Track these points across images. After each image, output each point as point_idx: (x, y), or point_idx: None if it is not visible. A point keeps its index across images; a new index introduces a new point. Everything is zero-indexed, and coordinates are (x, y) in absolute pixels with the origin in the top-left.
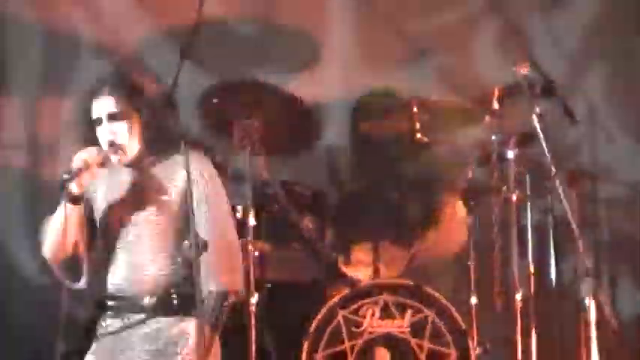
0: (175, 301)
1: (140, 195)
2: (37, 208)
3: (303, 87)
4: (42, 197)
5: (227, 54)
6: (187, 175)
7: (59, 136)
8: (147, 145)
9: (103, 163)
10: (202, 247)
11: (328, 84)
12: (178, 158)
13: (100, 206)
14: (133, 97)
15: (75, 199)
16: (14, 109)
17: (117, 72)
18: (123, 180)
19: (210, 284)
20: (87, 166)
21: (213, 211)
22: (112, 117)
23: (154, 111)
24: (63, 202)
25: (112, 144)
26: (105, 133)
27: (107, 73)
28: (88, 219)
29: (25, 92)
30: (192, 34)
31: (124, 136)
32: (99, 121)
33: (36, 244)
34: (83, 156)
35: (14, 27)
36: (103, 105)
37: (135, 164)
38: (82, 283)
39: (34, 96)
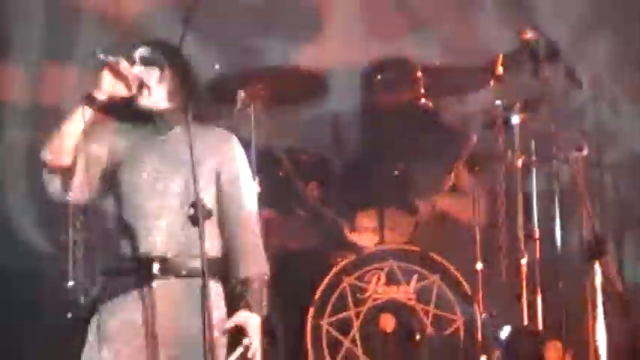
0: (183, 266)
1: (171, 163)
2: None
3: (307, 55)
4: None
5: (230, 22)
6: (190, 144)
7: (60, 105)
8: (177, 104)
9: (128, 83)
10: (207, 214)
11: (332, 51)
12: (210, 130)
13: (122, 169)
14: (167, 52)
15: (90, 100)
16: (16, 78)
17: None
18: (151, 148)
19: (250, 268)
20: (113, 68)
21: (248, 190)
22: (145, 61)
23: (185, 73)
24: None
25: (140, 83)
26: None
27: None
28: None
29: (28, 61)
30: (195, 3)
31: (153, 80)
32: (132, 63)
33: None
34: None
35: None
36: (139, 51)
37: (162, 122)
38: (70, 196)
39: (37, 65)
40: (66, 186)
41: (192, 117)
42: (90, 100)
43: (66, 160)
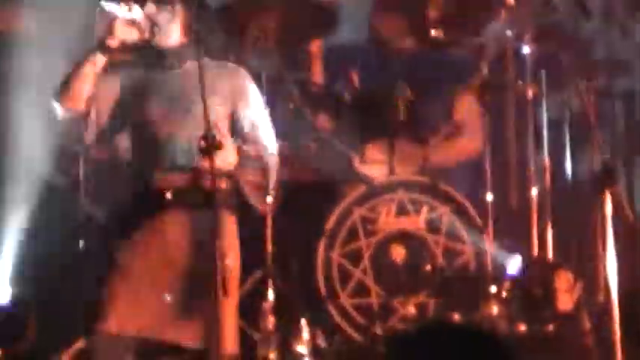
0: (195, 197)
1: (183, 96)
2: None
3: None
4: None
5: None
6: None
7: (75, 40)
8: (189, 40)
9: (140, 28)
10: (218, 145)
11: None
12: (222, 65)
13: (136, 104)
14: None
15: (103, 48)
16: (30, 11)
17: None
18: (164, 82)
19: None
20: (125, 16)
21: (264, 122)
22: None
23: (197, 8)
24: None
25: (152, 25)
26: (147, 11)
27: None
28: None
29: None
30: None
31: (165, 18)
32: (144, 1)
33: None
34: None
35: None
36: None
37: (174, 57)
38: (88, 140)
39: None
40: (81, 133)
41: (204, 50)
42: (103, 47)
43: (80, 106)
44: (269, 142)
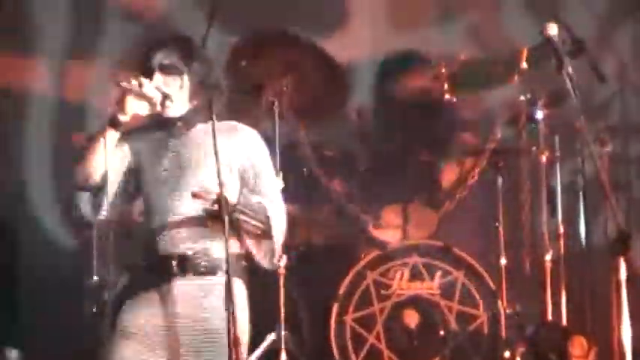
0: (203, 263)
1: (187, 162)
2: (65, 170)
3: (332, 47)
4: (69, 159)
5: (255, 13)
6: (212, 129)
7: (85, 99)
8: (197, 106)
9: (151, 102)
10: (231, 209)
11: (357, 44)
12: (229, 126)
13: (145, 169)
14: (186, 53)
15: (115, 123)
16: (42, 73)
17: (174, 32)
18: (172, 147)
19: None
20: (135, 90)
21: (272, 185)
22: (164, 69)
23: (205, 71)
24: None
25: (164, 96)
26: (156, 83)
27: (164, 32)
28: (130, 175)
29: (53, 56)
30: None
31: (173, 88)
32: (151, 72)
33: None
34: (134, 81)
35: None
36: (157, 57)
37: (183, 122)
38: (101, 216)
39: (62, 59)
40: (97, 207)
41: (214, 114)
42: (115, 123)
43: (94, 181)
44: (275, 199)
